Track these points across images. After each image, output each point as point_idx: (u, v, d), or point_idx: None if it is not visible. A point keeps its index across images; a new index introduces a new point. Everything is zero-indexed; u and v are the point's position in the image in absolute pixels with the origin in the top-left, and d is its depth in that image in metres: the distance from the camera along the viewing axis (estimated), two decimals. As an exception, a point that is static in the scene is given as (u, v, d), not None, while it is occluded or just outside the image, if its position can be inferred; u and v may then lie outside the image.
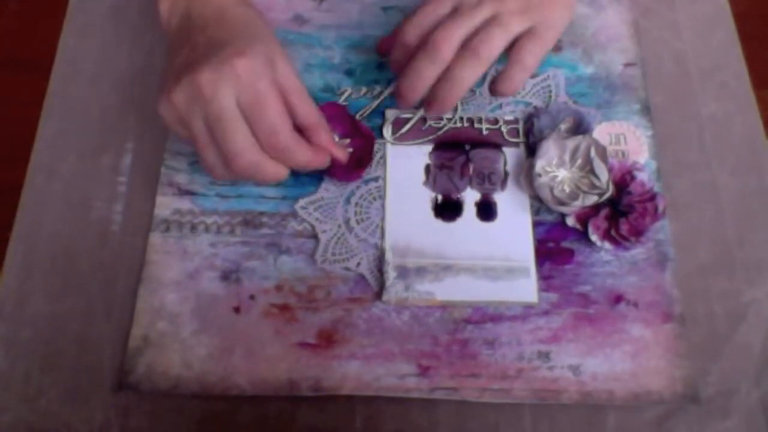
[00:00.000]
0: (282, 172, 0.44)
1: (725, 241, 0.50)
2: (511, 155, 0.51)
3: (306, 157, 0.43)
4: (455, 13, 0.45)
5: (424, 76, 0.45)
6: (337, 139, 0.50)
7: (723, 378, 0.46)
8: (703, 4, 0.59)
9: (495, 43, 0.44)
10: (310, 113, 0.45)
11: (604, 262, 0.48)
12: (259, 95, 0.41)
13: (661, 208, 0.48)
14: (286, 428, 0.44)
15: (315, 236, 0.48)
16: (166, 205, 0.49)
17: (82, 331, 0.46)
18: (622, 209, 0.48)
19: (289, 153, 0.42)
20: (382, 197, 0.49)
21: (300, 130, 0.44)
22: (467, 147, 0.51)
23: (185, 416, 0.44)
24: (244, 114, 0.41)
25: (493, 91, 0.48)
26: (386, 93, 0.53)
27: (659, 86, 0.54)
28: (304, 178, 0.49)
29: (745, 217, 0.51)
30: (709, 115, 0.54)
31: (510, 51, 0.46)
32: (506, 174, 0.50)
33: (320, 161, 0.45)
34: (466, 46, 0.44)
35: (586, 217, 0.48)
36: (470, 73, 0.45)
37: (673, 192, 0.51)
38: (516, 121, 0.52)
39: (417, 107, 0.50)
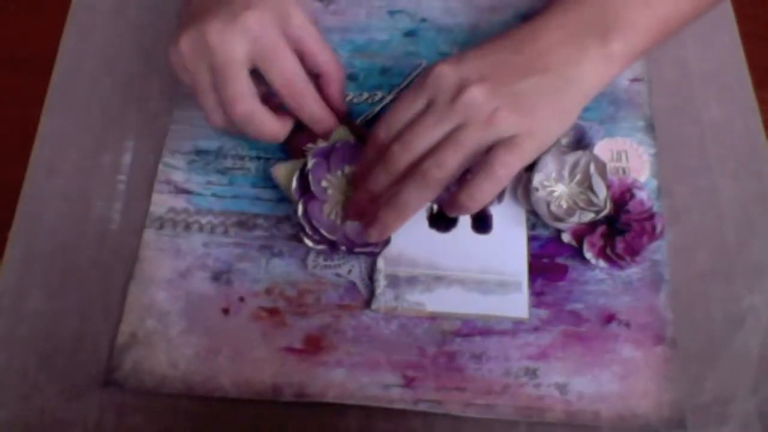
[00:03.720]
0: (280, 129, 0.45)
1: (724, 246, 0.49)
2: (510, 167, 0.50)
3: (317, 108, 0.44)
4: (423, 115, 0.41)
5: (378, 185, 0.43)
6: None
7: (720, 384, 0.45)
8: None
9: (449, 166, 0.40)
10: (328, 59, 0.45)
11: (598, 280, 0.47)
12: (271, 45, 0.42)
13: (659, 228, 0.47)
14: (280, 429, 0.44)
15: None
16: (161, 202, 0.49)
17: (80, 328, 0.46)
18: (620, 227, 0.47)
19: (304, 100, 0.44)
20: (377, 205, 0.49)
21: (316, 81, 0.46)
22: (466, 157, 0.51)
23: (180, 415, 0.44)
24: (258, 65, 0.42)
25: (452, 205, 0.42)
26: (388, 99, 0.53)
27: (660, 90, 0.54)
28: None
29: (745, 222, 0.50)
30: (710, 118, 0.53)
31: (481, 158, 0.41)
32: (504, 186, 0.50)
33: (326, 119, 0.45)
34: (418, 166, 0.40)
35: (582, 233, 0.48)
36: (416, 198, 0.41)
37: (673, 196, 0.51)
38: (517, 133, 0.52)
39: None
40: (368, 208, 0.44)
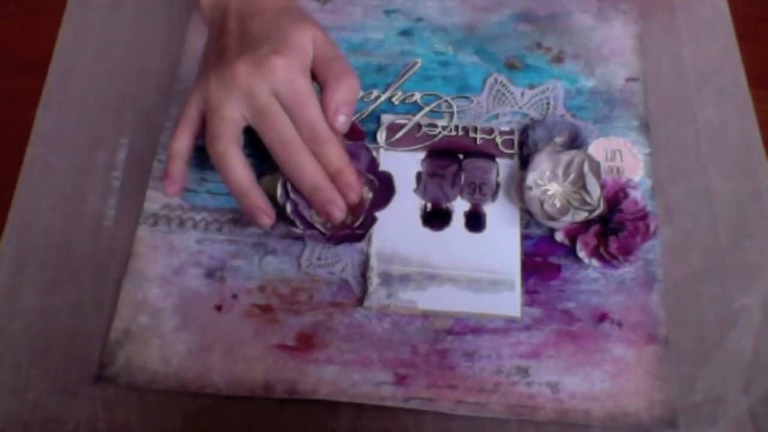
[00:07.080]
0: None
1: (718, 246, 0.49)
2: (504, 166, 0.51)
3: (339, 157, 0.44)
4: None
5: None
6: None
7: (711, 384, 0.45)
8: (702, 9, 0.58)
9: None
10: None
11: (591, 279, 0.47)
12: (298, 91, 0.43)
13: (652, 227, 0.47)
14: (274, 424, 0.44)
15: (302, 239, 0.48)
16: (156, 199, 0.49)
17: (72, 324, 0.46)
18: (613, 227, 0.47)
19: (327, 147, 0.44)
20: (371, 203, 0.49)
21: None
22: (460, 156, 0.51)
23: (172, 411, 0.44)
24: (284, 109, 0.43)
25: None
26: (383, 98, 0.53)
27: (656, 90, 0.54)
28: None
29: (739, 223, 0.50)
30: (705, 119, 0.53)
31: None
32: (498, 185, 0.50)
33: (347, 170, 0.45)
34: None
35: (575, 232, 0.48)
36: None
37: (667, 197, 0.50)
38: (511, 132, 0.52)
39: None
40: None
